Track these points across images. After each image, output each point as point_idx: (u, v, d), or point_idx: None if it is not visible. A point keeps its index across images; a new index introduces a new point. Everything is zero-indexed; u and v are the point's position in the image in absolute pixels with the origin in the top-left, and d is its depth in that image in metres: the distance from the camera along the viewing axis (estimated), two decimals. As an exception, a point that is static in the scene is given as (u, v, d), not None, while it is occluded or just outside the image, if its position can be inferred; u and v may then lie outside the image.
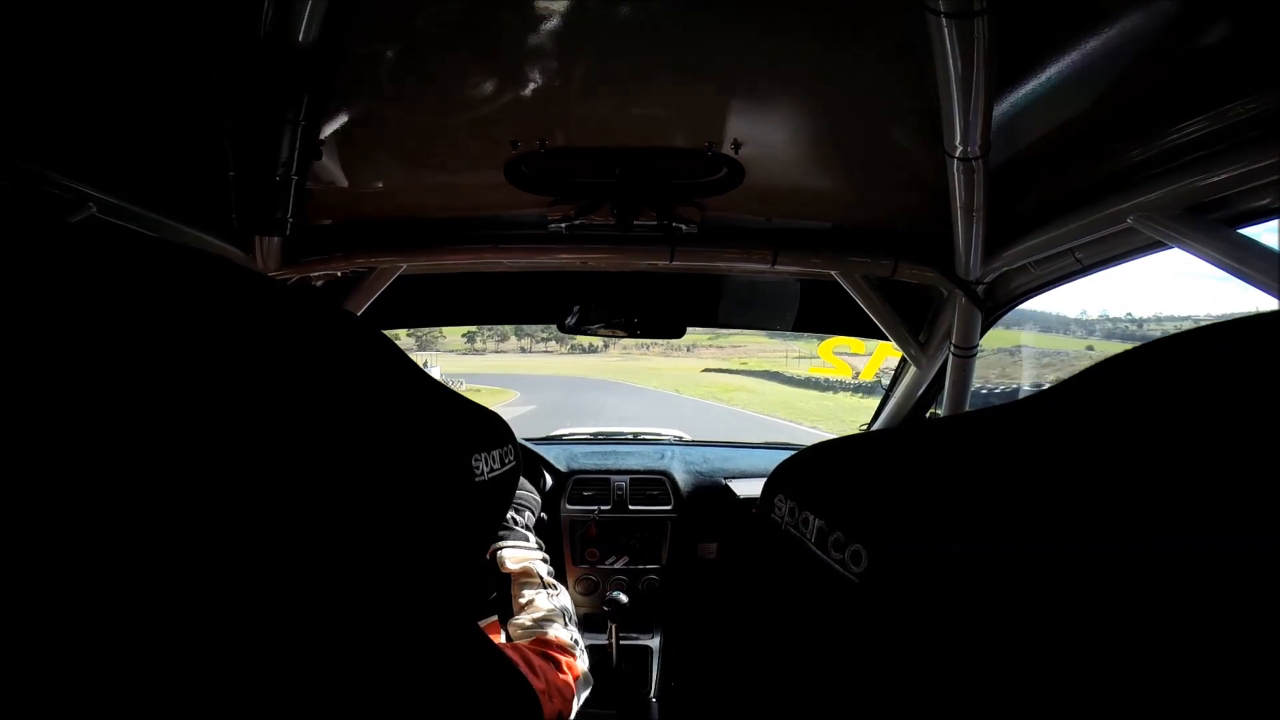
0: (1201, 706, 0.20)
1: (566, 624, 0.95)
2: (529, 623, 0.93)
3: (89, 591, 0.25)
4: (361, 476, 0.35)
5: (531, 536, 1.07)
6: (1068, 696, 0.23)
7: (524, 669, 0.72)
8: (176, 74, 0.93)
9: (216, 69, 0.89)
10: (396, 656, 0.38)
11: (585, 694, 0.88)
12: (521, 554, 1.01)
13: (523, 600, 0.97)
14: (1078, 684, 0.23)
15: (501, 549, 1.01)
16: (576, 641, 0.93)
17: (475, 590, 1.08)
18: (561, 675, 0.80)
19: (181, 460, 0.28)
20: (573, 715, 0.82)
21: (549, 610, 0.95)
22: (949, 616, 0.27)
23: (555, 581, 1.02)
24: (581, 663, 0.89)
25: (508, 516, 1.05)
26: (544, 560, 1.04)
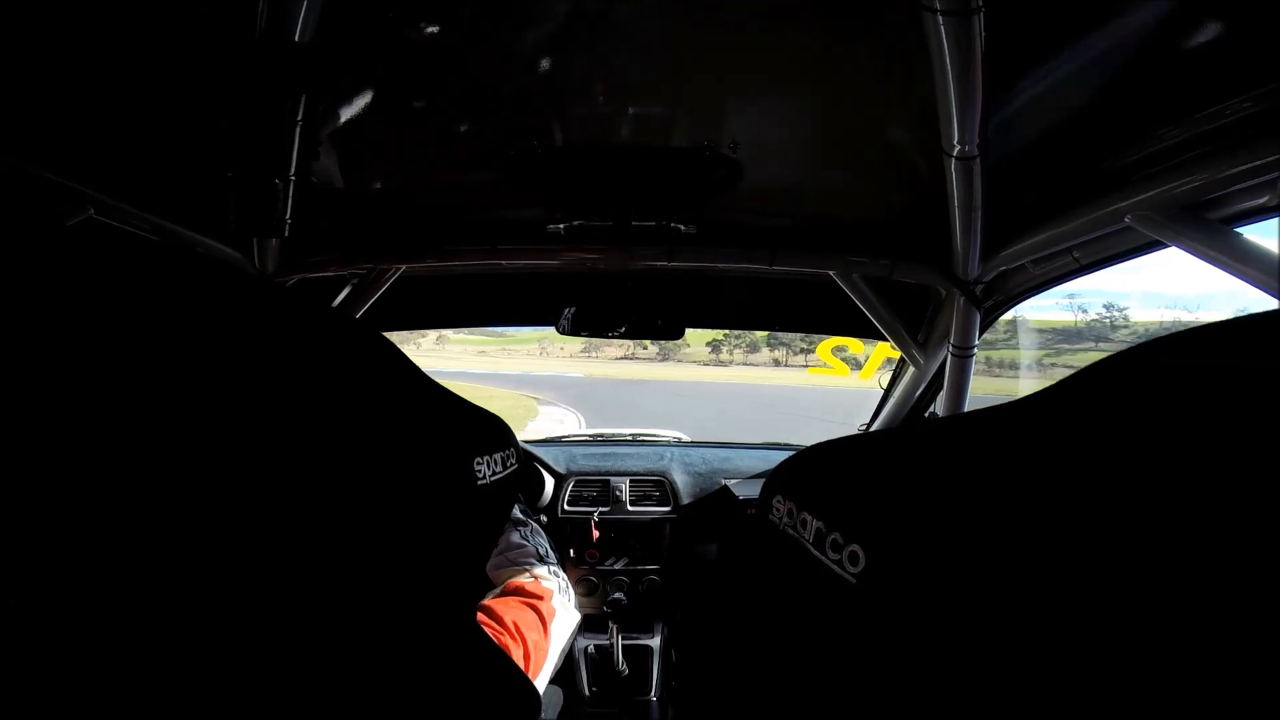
0: (1199, 707, 0.20)
1: (543, 559, 0.92)
2: (503, 561, 0.90)
3: (89, 591, 0.25)
4: (363, 480, 0.35)
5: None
6: (1066, 696, 0.23)
7: (504, 634, 0.70)
8: (174, 74, 0.93)
9: (213, 69, 0.89)
10: (398, 660, 0.38)
11: (569, 635, 0.84)
12: None
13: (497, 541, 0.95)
14: (1075, 683, 0.23)
15: None
16: (556, 574, 0.90)
17: (478, 593, 1.08)
18: (536, 632, 0.78)
19: (182, 463, 0.28)
20: (554, 657, 0.79)
21: (522, 548, 0.93)
22: (946, 617, 0.27)
23: (528, 519, 1.00)
24: (558, 601, 0.85)
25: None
26: (519, 498, 1.02)
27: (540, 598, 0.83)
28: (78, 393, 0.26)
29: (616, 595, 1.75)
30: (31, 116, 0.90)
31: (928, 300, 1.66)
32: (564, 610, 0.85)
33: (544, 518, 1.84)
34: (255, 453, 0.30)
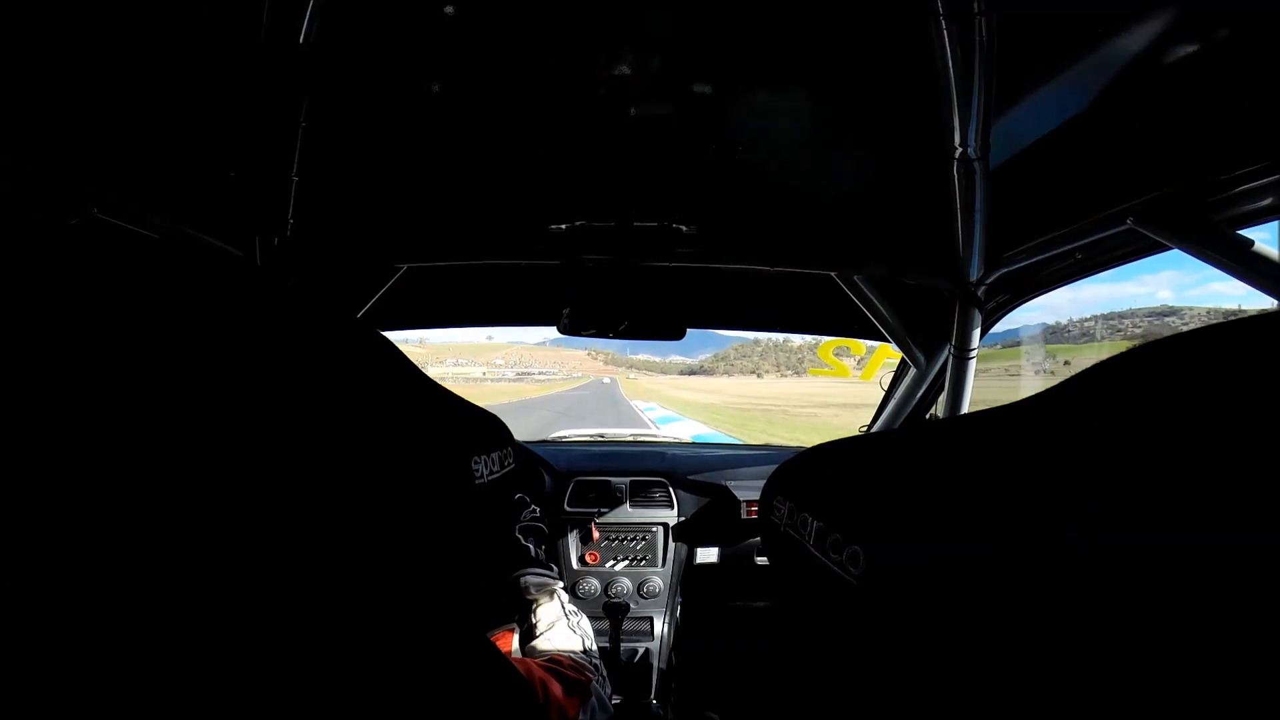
0: (1196, 709, 0.20)
1: (585, 649, 0.95)
2: (548, 646, 0.93)
3: (88, 591, 0.25)
4: (361, 478, 0.35)
5: (552, 567, 1.09)
6: (1067, 700, 0.23)
7: (534, 683, 0.71)
8: (178, 74, 0.93)
9: (218, 69, 0.89)
10: (395, 658, 0.38)
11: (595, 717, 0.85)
12: (544, 581, 1.03)
13: (543, 625, 0.98)
14: (1076, 688, 0.23)
15: (525, 575, 1.02)
16: (597, 667, 0.92)
17: (478, 594, 1.08)
18: (564, 694, 0.78)
19: (181, 463, 0.28)
20: None
21: (569, 636, 0.96)
22: (947, 618, 0.27)
23: (576, 609, 1.03)
24: (595, 686, 0.86)
25: (526, 545, 1.08)
26: (563, 588, 1.06)
27: (580, 674, 0.83)
28: (78, 392, 0.26)
29: (616, 597, 1.75)
30: (36, 115, 0.90)
31: (929, 301, 1.66)
32: (597, 693, 0.86)
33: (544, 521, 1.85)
34: (253, 452, 0.30)
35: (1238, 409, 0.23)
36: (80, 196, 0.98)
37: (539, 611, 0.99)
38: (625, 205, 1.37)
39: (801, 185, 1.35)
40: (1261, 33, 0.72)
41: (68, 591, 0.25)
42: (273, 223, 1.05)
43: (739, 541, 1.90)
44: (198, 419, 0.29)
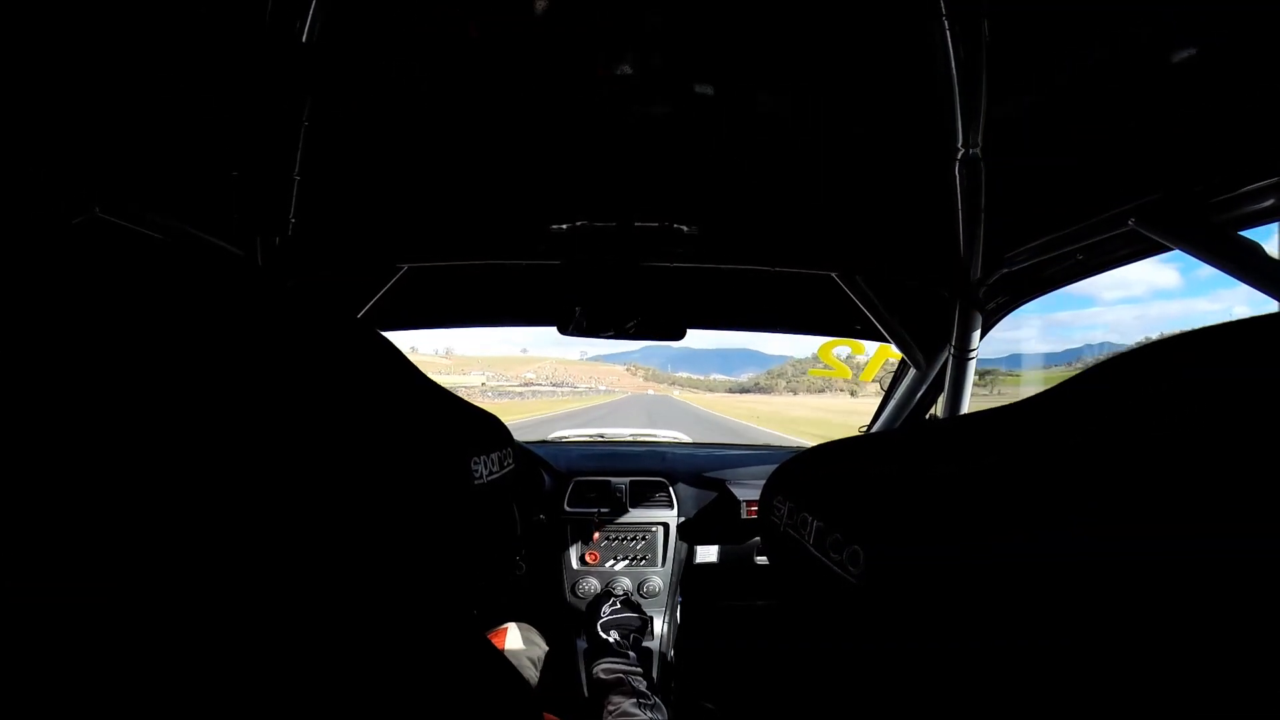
0: (1197, 709, 0.20)
1: None
2: None
3: (86, 590, 0.26)
4: (360, 478, 0.35)
5: (631, 653, 1.10)
6: (1068, 700, 0.23)
7: None
8: (179, 72, 0.93)
9: (220, 68, 0.89)
10: (394, 661, 0.38)
11: None
12: (616, 666, 1.05)
13: (612, 708, 0.99)
14: (1078, 687, 0.23)
15: (600, 664, 1.05)
16: None
17: (477, 594, 1.09)
18: None
19: (179, 462, 0.28)
20: None
21: (633, 717, 0.97)
22: (947, 618, 0.27)
23: (649, 693, 1.04)
24: None
25: (608, 638, 1.11)
26: (640, 675, 1.08)
27: None
28: (76, 391, 0.26)
29: (616, 597, 1.75)
30: (37, 115, 0.91)
31: (930, 302, 1.66)
32: None
33: (543, 518, 1.85)
34: (252, 451, 0.30)
35: (1239, 408, 0.23)
36: (82, 196, 0.99)
37: (613, 698, 1.02)
38: (626, 205, 1.37)
39: (802, 185, 1.35)
40: (1262, 33, 0.72)
41: (68, 591, 0.25)
42: (274, 222, 1.05)
43: (740, 541, 1.90)
44: (196, 418, 0.29)
